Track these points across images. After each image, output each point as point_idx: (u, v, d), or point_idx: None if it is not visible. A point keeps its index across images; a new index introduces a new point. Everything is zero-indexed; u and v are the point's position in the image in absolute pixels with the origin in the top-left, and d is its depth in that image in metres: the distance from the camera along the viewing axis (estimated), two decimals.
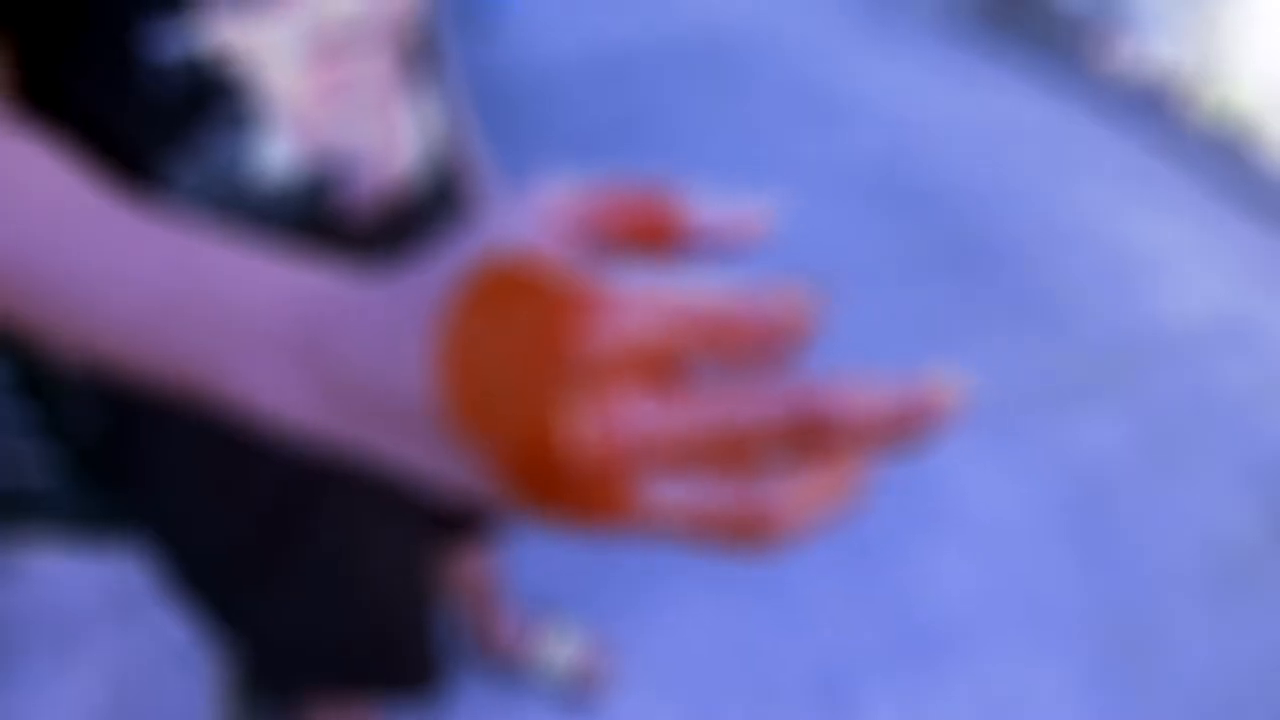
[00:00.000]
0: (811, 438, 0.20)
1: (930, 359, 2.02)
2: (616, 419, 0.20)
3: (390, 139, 0.52)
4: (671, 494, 0.21)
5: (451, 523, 0.88)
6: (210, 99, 0.44)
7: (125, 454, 0.54)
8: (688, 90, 3.57)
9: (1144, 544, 1.57)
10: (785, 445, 0.20)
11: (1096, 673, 1.36)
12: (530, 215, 0.22)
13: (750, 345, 0.21)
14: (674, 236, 0.23)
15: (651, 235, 0.23)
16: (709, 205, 0.23)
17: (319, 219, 0.50)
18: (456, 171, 0.65)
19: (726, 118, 3.31)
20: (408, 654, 0.64)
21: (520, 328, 0.20)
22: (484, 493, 0.23)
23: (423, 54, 0.57)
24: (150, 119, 0.43)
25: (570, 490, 0.20)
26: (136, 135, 0.44)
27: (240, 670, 0.63)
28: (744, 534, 0.21)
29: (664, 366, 0.21)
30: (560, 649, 1.30)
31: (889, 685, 1.33)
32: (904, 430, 0.19)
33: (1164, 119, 3.52)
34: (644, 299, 0.21)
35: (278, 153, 0.47)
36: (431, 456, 0.23)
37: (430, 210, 0.59)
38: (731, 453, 0.20)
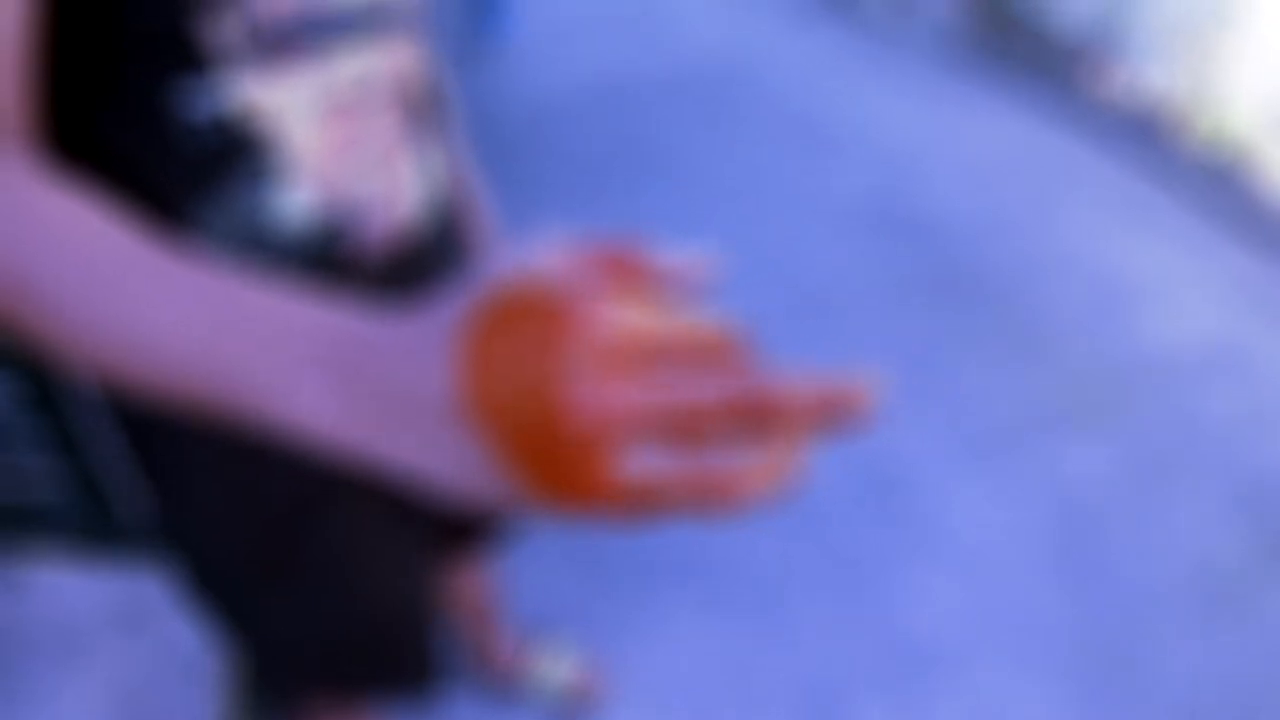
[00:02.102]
0: (756, 420, 0.24)
1: (920, 386, 2.05)
2: (602, 399, 0.25)
3: (395, 187, 0.56)
4: (648, 466, 0.26)
5: (452, 536, 0.91)
6: (237, 153, 0.48)
7: (143, 464, 0.57)
8: (684, 121, 3.62)
9: (1131, 566, 1.60)
10: (737, 427, 0.25)
11: (1084, 693, 1.37)
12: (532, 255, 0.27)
13: (695, 359, 0.27)
14: (644, 281, 0.28)
15: (626, 281, 0.28)
16: (666, 254, 0.29)
17: (333, 260, 0.54)
18: (458, 214, 0.70)
19: (722, 148, 3.37)
20: (407, 657, 0.67)
21: (525, 338, 0.25)
22: (491, 488, 0.27)
23: (426, 108, 0.61)
24: (180, 171, 0.47)
25: (566, 464, 0.25)
26: (166, 185, 0.48)
27: (245, 671, 0.66)
28: (708, 498, 0.26)
29: (639, 364, 0.27)
30: (556, 666, 1.32)
31: (879, 704, 1.35)
32: (830, 417, 0.24)
33: (1157, 145, 3.56)
34: (617, 323, 0.26)
35: (297, 201, 0.51)
36: (445, 457, 0.27)
37: (433, 250, 0.63)
38: (694, 431, 0.25)
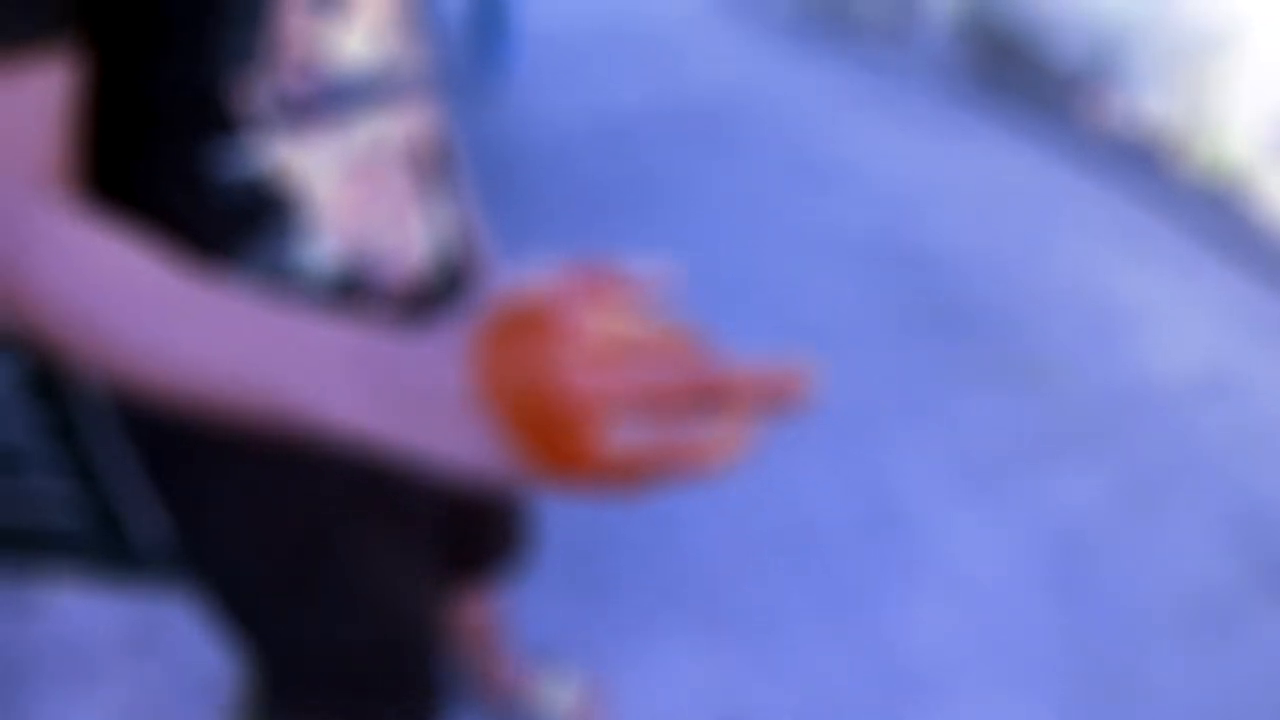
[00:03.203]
0: (710, 399, 0.31)
1: (917, 417, 2.08)
2: (587, 386, 0.31)
3: (406, 241, 0.61)
4: (628, 436, 0.32)
5: (460, 561, 0.93)
6: (266, 210, 0.52)
7: (166, 485, 0.60)
8: (685, 155, 3.68)
9: (1124, 593, 1.60)
10: (694, 405, 0.31)
11: (1078, 718, 1.38)
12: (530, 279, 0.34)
13: (660, 353, 0.33)
14: (618, 292, 0.35)
15: (603, 293, 0.35)
16: (633, 267, 0.35)
17: (350, 307, 0.58)
18: (464, 261, 0.74)
19: (723, 182, 3.42)
20: (415, 679, 0.70)
21: (524, 343, 0.32)
22: (501, 466, 0.34)
23: (436, 167, 0.65)
24: (211, 225, 0.51)
25: (562, 441, 0.31)
26: (198, 238, 0.52)
27: (257, 690, 0.68)
28: (678, 465, 0.32)
29: (615, 358, 0.33)
30: (558, 692, 1.34)
31: None
32: (771, 397, 0.31)
33: (1155, 173, 3.59)
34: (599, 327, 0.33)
35: (321, 253, 0.55)
36: (463, 442, 0.34)
37: (440, 293, 0.67)
38: (660, 409, 0.32)
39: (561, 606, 1.54)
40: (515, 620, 1.51)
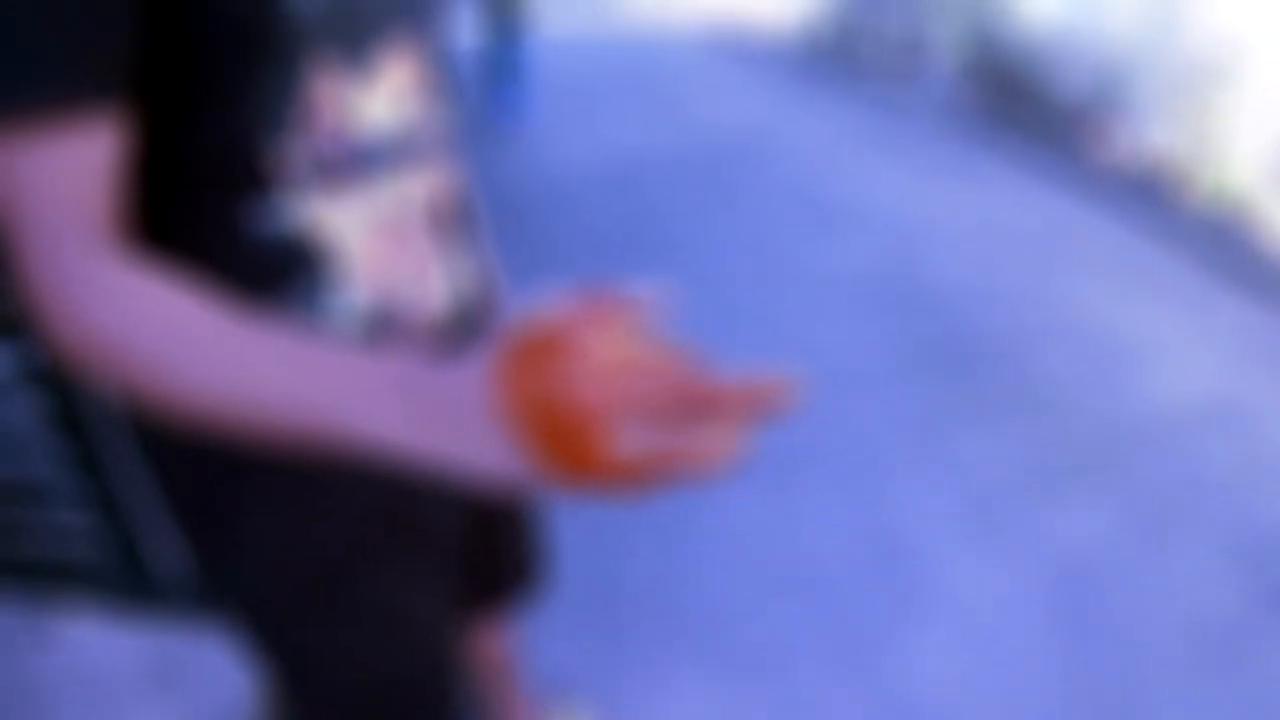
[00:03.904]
0: (700, 408, 0.35)
1: (922, 454, 2.08)
2: (594, 397, 0.36)
3: (427, 292, 0.65)
4: (633, 443, 0.36)
5: (479, 594, 0.95)
6: (300, 263, 0.56)
7: (201, 513, 0.63)
8: (694, 197, 3.74)
9: (1129, 624, 1.59)
10: (688, 413, 0.35)
11: None
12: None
13: (657, 368, 0.38)
14: (620, 314, 0.39)
15: (606, 317, 0.40)
16: (633, 290, 0.39)
17: (378, 345, 0.62)
18: (480, 308, 0.77)
19: (731, 223, 3.46)
20: (434, 709, 0.71)
21: (540, 364, 0.37)
22: (522, 471, 0.38)
23: (454, 224, 0.69)
24: (248, 277, 0.55)
25: (575, 447, 0.36)
26: (235, 287, 0.55)
27: (279, 711, 0.70)
28: (676, 467, 0.36)
29: (618, 374, 0.38)
30: None
31: None
32: (757, 407, 0.35)
33: (1159, 204, 3.61)
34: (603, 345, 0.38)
35: (350, 302, 0.59)
36: (488, 452, 0.38)
37: (458, 336, 0.71)
38: (659, 417, 0.36)
39: (574, 642, 1.54)
40: (528, 654, 1.52)
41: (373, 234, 0.59)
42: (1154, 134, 3.87)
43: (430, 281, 0.65)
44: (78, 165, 0.43)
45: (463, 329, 0.71)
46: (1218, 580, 1.68)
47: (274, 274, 0.55)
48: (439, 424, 0.39)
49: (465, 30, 8.09)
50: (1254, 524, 1.82)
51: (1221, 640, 1.55)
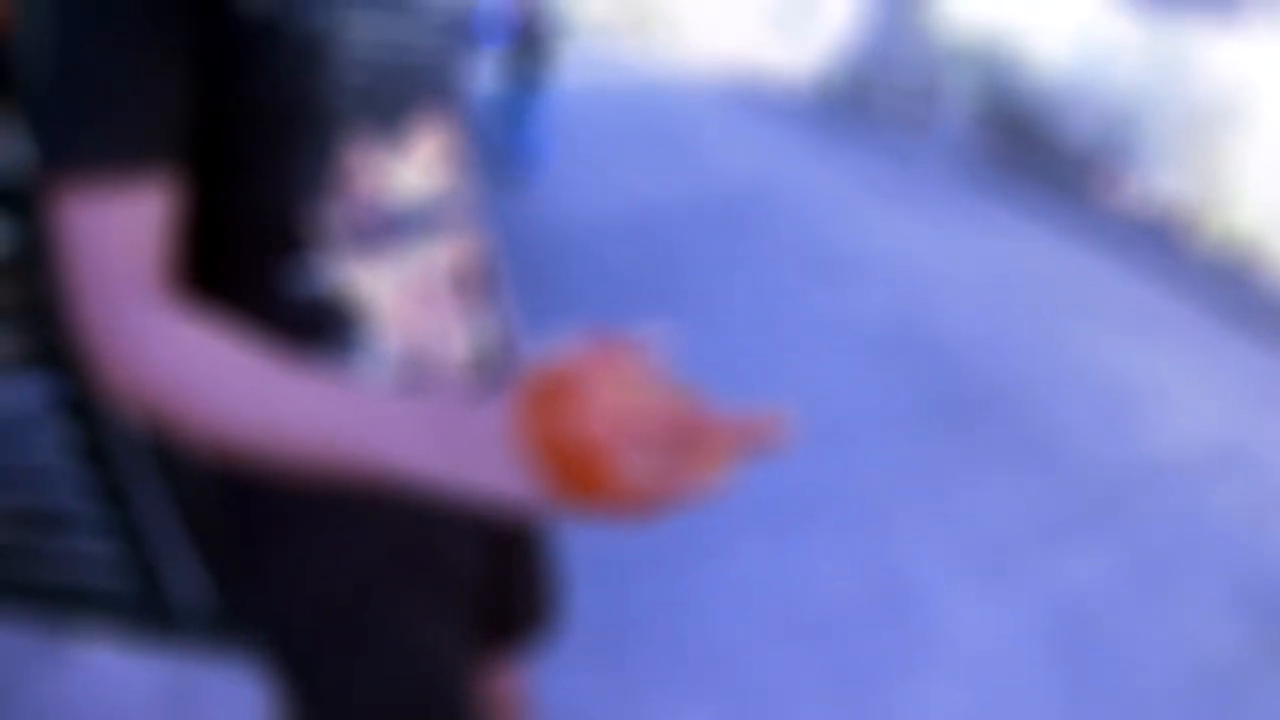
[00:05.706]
0: (697, 440, 0.40)
1: (929, 501, 2.09)
2: (603, 430, 0.41)
3: (450, 350, 0.69)
4: (637, 465, 0.41)
5: (493, 631, 0.98)
6: (335, 322, 0.60)
7: (233, 539, 0.66)
8: (707, 245, 3.79)
9: (1133, 669, 1.59)
10: (686, 445, 0.41)
11: None
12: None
13: (661, 405, 0.43)
14: (628, 355, 0.44)
15: (615, 359, 0.45)
16: (639, 332, 0.42)
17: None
18: (500, 362, 0.81)
19: (743, 270, 3.51)
20: None
21: (555, 403, 0.42)
22: (540, 498, 0.43)
23: (477, 286, 0.73)
24: (284, 333, 0.59)
25: (587, 474, 0.41)
26: (273, 339, 0.59)
27: None
28: (677, 491, 0.41)
29: (625, 410, 0.43)
30: None
31: None
32: (749, 441, 0.40)
33: (1168, 250, 3.63)
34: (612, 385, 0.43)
35: (381, 354, 0.63)
36: (510, 480, 0.43)
37: (479, 385, 0.74)
38: (660, 447, 0.41)
39: (583, 679, 1.56)
40: (540, 690, 1.53)
41: (402, 295, 0.63)
42: (1163, 181, 3.90)
43: (454, 338, 0.69)
44: (133, 221, 0.48)
45: (483, 376, 0.74)
46: (1222, 624, 1.68)
47: (310, 330, 0.59)
48: (466, 455, 0.44)
49: (485, 79, 8.29)
50: (1258, 568, 1.81)
51: (1224, 683, 1.54)
